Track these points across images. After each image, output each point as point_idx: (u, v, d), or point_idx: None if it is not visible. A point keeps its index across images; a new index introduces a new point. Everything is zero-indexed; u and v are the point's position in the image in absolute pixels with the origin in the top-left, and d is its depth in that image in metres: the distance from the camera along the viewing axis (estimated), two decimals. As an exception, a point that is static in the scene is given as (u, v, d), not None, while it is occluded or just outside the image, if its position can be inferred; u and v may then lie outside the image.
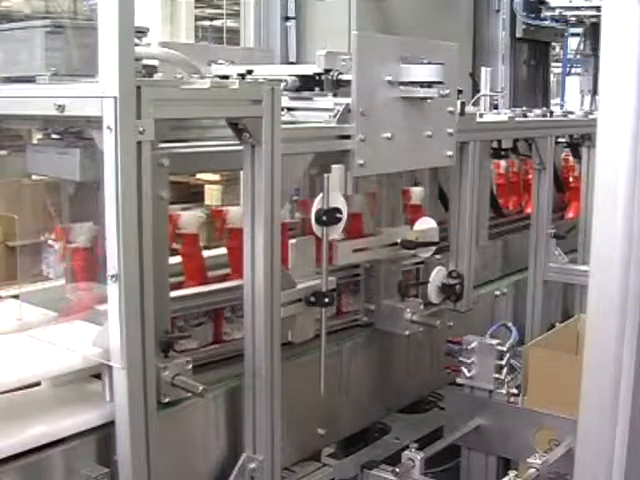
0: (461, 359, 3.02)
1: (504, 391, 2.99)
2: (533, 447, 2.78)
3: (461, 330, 3.27)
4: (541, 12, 5.82)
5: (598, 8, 5.65)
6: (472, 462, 3.07)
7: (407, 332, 3.07)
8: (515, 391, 3.01)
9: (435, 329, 3.17)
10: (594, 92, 6.25)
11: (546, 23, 5.89)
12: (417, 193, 3.43)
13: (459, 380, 3.05)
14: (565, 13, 5.83)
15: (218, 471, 2.47)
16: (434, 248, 3.20)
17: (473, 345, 3.00)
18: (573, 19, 5.94)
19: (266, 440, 2.37)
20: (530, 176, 4.33)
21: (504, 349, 2.97)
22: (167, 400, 2.26)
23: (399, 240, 3.06)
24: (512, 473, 2.54)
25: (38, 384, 2.22)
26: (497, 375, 2.97)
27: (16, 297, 2.50)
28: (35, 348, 2.23)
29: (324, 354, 2.68)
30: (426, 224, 3.20)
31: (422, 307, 3.12)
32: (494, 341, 3.00)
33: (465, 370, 3.02)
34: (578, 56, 7.13)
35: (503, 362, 2.97)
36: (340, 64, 2.91)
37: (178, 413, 2.33)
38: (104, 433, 2.13)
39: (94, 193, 2.39)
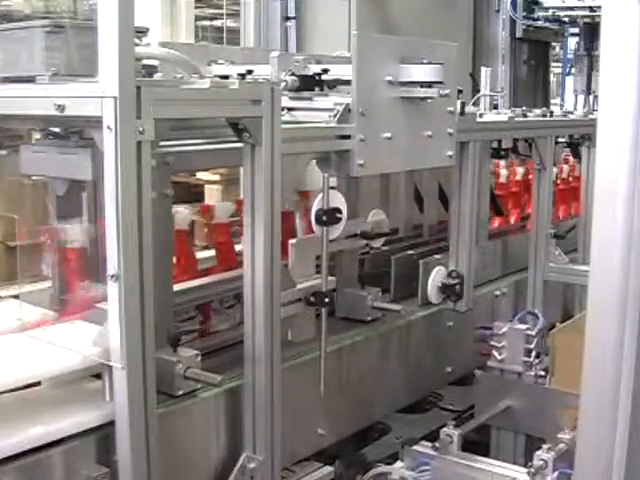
0: (492, 343, 3.17)
1: (532, 373, 3.12)
2: (560, 425, 2.85)
3: (461, 330, 3.26)
4: (534, 12, 5.83)
5: (591, 8, 5.66)
6: (501, 441, 3.20)
7: (369, 318, 3.16)
8: (542, 373, 3.13)
9: (435, 331, 3.16)
10: (587, 92, 6.25)
11: (539, 23, 5.89)
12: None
13: (490, 363, 3.19)
14: (558, 13, 5.84)
15: (218, 471, 2.47)
16: (384, 238, 3.33)
17: (504, 330, 3.14)
18: (566, 19, 5.95)
19: (266, 440, 2.38)
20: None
21: (532, 334, 3.12)
22: (181, 392, 2.32)
23: (359, 231, 3.15)
24: (546, 446, 2.65)
25: (38, 384, 2.22)
26: (526, 358, 3.11)
27: (16, 297, 2.50)
28: (35, 348, 2.23)
29: (324, 354, 2.68)
30: (378, 216, 3.26)
31: (380, 294, 3.23)
32: (523, 326, 3.16)
33: (496, 353, 3.16)
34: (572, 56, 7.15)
35: (532, 346, 3.11)
36: (293, 65, 2.90)
37: (178, 413, 2.33)
38: (104, 433, 2.13)
39: (85, 193, 2.41)
